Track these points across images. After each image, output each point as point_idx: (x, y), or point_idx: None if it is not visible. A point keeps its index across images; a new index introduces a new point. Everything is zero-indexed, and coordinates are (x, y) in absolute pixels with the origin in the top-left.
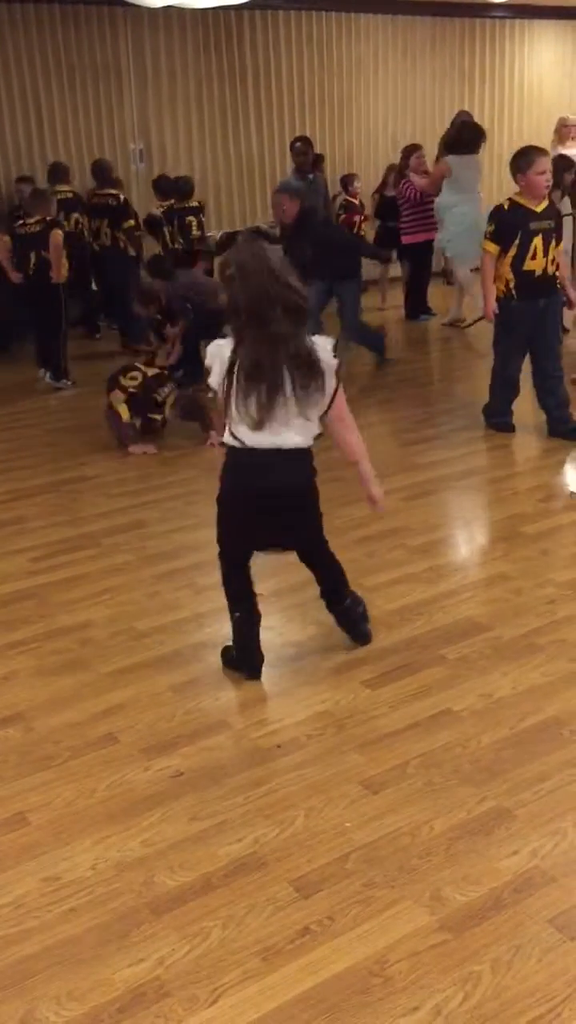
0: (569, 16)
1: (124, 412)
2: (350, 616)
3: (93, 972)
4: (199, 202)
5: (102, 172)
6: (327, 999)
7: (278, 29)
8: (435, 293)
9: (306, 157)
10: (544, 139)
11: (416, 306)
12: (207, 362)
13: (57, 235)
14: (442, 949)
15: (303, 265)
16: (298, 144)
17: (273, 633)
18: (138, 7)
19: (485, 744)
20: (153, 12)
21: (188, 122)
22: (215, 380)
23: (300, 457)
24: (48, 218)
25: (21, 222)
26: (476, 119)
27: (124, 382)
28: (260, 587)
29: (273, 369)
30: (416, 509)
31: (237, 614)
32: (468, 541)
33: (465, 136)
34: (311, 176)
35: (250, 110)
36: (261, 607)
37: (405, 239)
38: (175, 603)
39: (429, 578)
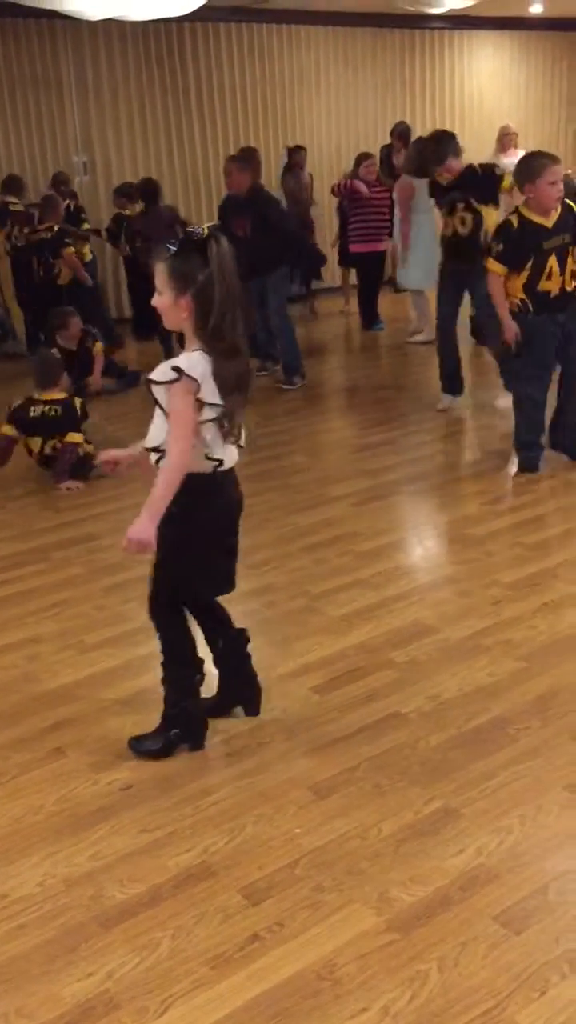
0: (507, 27)
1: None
2: (239, 649)
3: (41, 988)
4: None
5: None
6: (276, 1004)
7: (219, 41)
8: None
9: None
10: (486, 148)
11: (368, 316)
12: (195, 374)
13: (69, 250)
14: (390, 950)
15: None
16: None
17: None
18: (77, 20)
19: (433, 745)
20: (93, 25)
21: (132, 134)
22: (211, 394)
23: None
24: (57, 226)
25: (29, 228)
26: (418, 130)
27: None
28: None
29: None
30: (365, 515)
31: (199, 676)
32: (416, 545)
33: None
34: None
35: (193, 122)
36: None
37: (352, 248)
38: (124, 615)
39: (377, 583)
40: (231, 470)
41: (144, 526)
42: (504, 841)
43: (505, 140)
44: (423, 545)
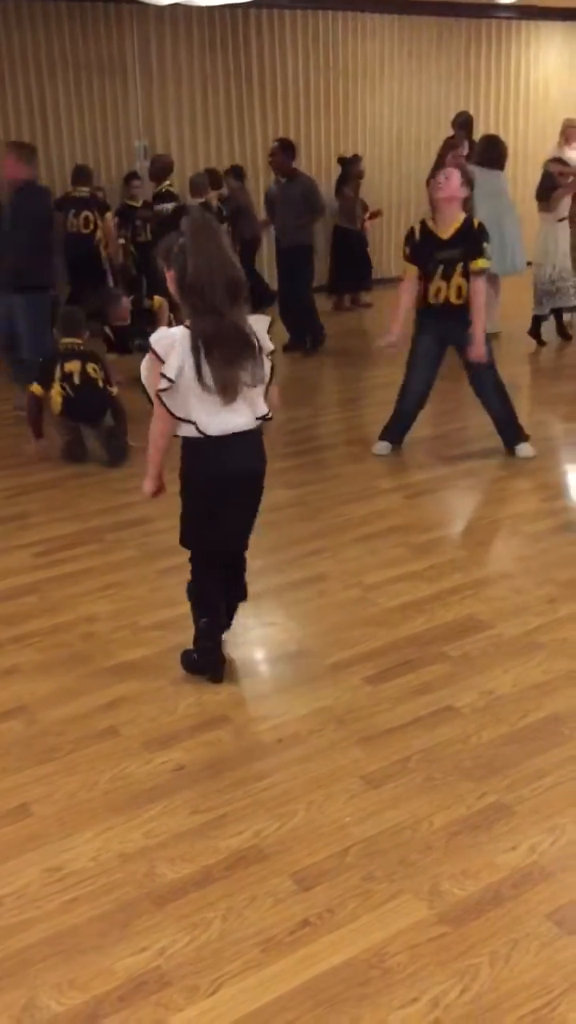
0: None
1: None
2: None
3: (94, 961)
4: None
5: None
6: (326, 990)
7: (284, 28)
8: None
9: (276, 159)
10: (549, 141)
11: None
12: (161, 352)
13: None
14: (441, 942)
15: None
16: (274, 145)
17: (276, 629)
18: (144, 4)
19: (486, 740)
20: (159, 9)
21: (193, 120)
22: (174, 366)
23: (255, 439)
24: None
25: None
26: (480, 120)
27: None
28: (264, 583)
29: (225, 345)
30: (418, 507)
31: (204, 620)
32: (470, 539)
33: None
34: (283, 180)
35: (255, 109)
36: (263, 604)
37: None
38: (178, 598)
39: (431, 576)
40: (230, 436)
41: (146, 479)
42: (557, 840)
43: (569, 133)
44: (477, 540)
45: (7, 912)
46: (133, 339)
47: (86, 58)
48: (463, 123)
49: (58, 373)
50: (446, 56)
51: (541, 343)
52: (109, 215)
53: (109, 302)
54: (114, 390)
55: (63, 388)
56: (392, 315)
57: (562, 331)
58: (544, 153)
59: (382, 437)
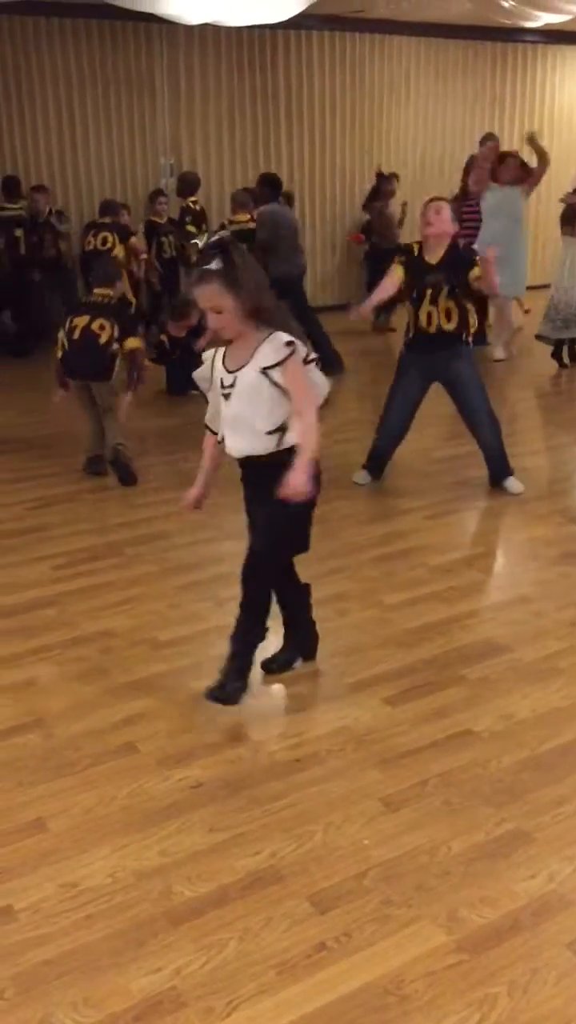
0: None
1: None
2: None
3: (109, 979)
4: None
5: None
6: (343, 1015)
7: (311, 49)
8: None
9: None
10: (574, 165)
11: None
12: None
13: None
14: (459, 970)
15: None
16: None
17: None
18: (174, 24)
19: (505, 765)
20: (189, 29)
21: (219, 139)
22: None
23: None
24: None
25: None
26: (506, 144)
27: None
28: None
29: None
30: (438, 528)
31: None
32: (490, 562)
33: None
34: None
35: (281, 128)
36: (281, 623)
37: None
38: (197, 615)
39: (450, 597)
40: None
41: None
42: None
43: None
44: (497, 562)
45: (23, 927)
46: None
47: (115, 76)
48: (492, 146)
49: (66, 325)
50: (472, 78)
51: (563, 365)
52: (133, 240)
53: (177, 311)
54: (130, 345)
55: (64, 342)
56: (372, 297)
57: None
58: (568, 177)
59: (364, 466)
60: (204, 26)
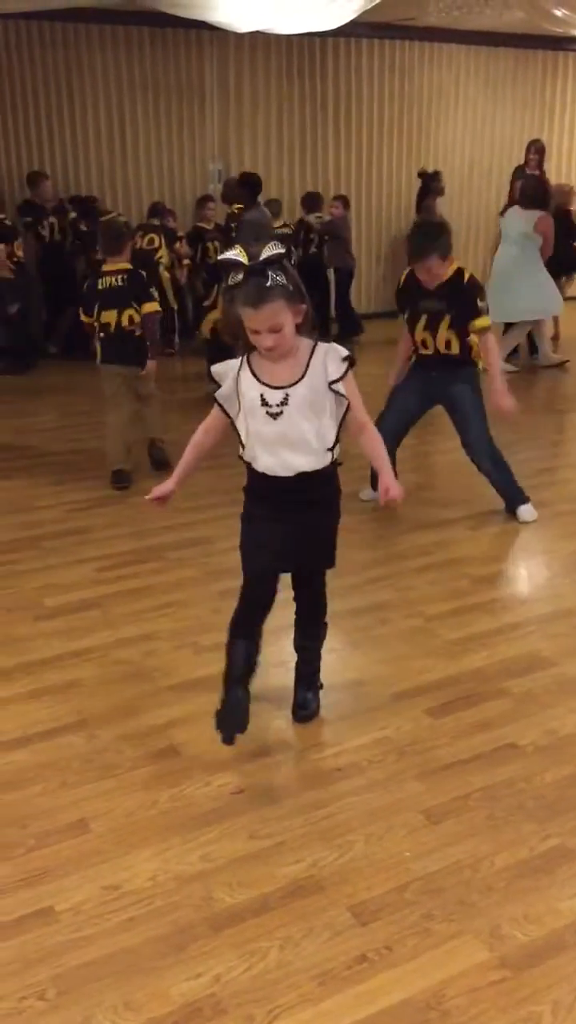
0: None
1: None
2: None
3: (150, 983)
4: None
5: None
6: None
7: (360, 56)
8: None
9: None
10: None
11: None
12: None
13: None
14: (501, 987)
15: None
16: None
17: (335, 656)
18: (225, 31)
19: (549, 781)
20: (239, 37)
21: (267, 145)
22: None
23: None
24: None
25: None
26: (553, 152)
27: None
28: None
29: None
30: (482, 539)
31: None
32: (534, 574)
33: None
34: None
35: (328, 135)
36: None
37: None
38: None
39: (493, 609)
40: None
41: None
42: None
43: None
44: (542, 574)
45: (65, 928)
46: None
47: (166, 82)
48: (538, 148)
49: (95, 314)
50: (521, 86)
51: None
52: (178, 245)
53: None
54: (146, 309)
55: (99, 331)
56: (398, 364)
57: None
58: None
59: (371, 483)
60: (254, 33)
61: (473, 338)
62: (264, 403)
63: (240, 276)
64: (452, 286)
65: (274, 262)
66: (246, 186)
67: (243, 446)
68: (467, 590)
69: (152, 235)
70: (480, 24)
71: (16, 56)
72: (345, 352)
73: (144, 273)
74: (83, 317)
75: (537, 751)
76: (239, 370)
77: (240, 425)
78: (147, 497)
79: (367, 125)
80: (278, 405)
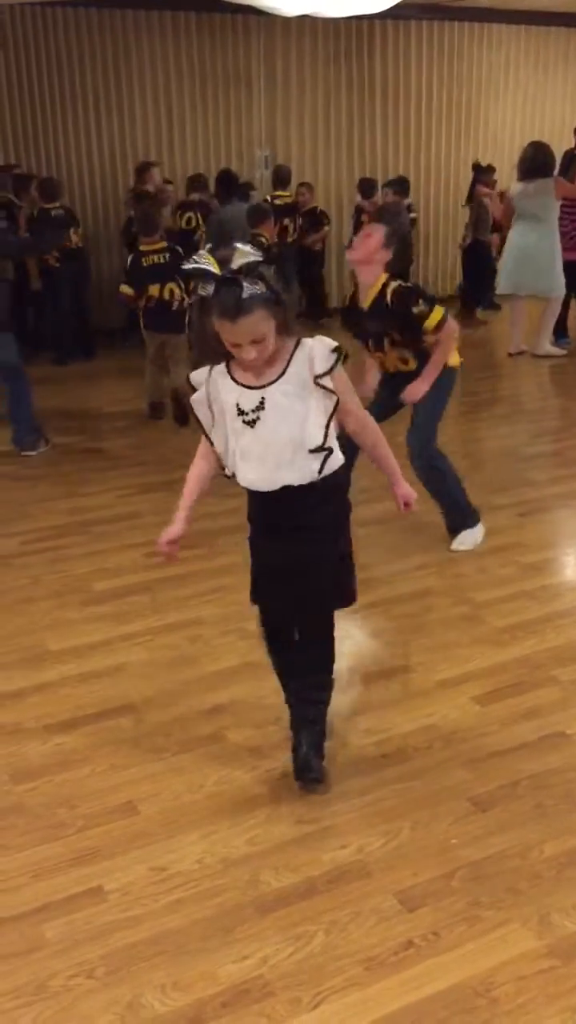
0: None
1: None
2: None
3: (197, 964)
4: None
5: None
6: (431, 1015)
7: (409, 39)
8: None
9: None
10: None
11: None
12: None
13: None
14: (550, 975)
15: None
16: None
17: (381, 642)
18: (272, 16)
19: None
20: (286, 21)
21: (315, 130)
22: None
23: None
24: None
25: None
26: None
27: None
28: (371, 596)
29: None
30: (529, 526)
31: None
32: None
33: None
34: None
35: (376, 119)
36: (369, 616)
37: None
38: None
39: (542, 597)
40: None
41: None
42: None
43: None
44: None
45: (113, 907)
46: None
47: (212, 68)
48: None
49: (140, 288)
50: (574, 66)
51: None
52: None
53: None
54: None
55: (145, 304)
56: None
57: None
58: None
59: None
60: (301, 17)
61: (430, 338)
62: (240, 411)
63: (211, 287)
64: (377, 305)
65: (249, 271)
66: (220, 183)
67: (223, 458)
68: (515, 577)
69: (190, 214)
70: (530, 3)
71: (64, 43)
72: (333, 344)
73: (181, 250)
74: (125, 290)
75: None
76: (214, 373)
77: (217, 435)
78: (157, 546)
79: (415, 108)
80: (253, 411)
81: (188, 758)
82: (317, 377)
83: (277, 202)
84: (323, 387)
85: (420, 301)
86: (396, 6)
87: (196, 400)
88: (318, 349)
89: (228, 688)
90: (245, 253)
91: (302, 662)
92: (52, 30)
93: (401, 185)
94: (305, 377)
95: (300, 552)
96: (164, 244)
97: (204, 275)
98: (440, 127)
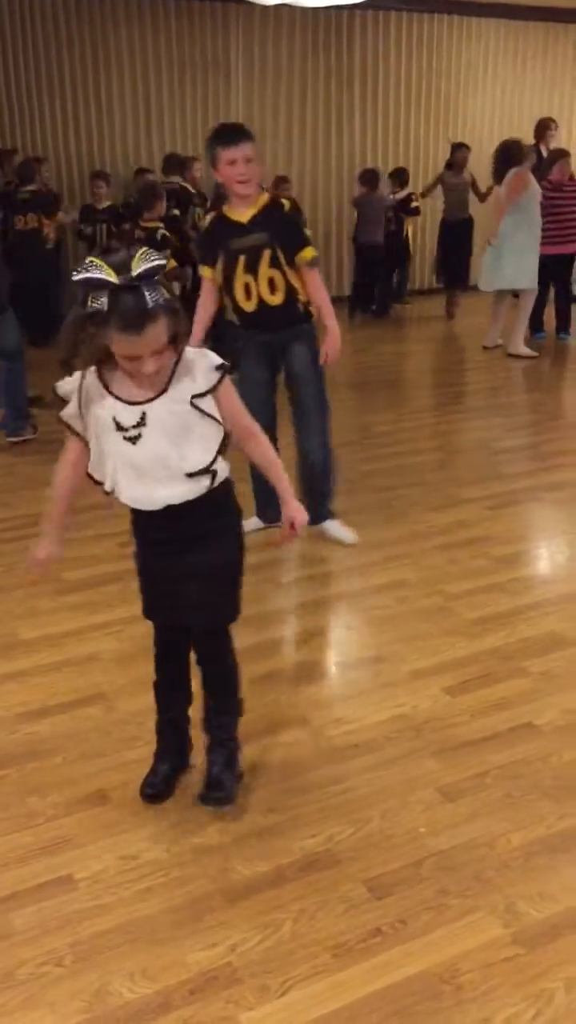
0: None
1: None
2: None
3: (166, 952)
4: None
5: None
6: (397, 1001)
7: (388, 30)
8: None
9: None
10: None
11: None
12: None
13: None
14: (515, 963)
15: None
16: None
17: (354, 633)
18: (250, 4)
19: (567, 760)
20: (265, 10)
21: (289, 120)
22: None
23: None
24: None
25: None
26: None
27: None
28: (344, 586)
29: None
30: (501, 519)
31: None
32: (554, 554)
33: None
34: None
35: (355, 110)
36: (342, 607)
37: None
38: (256, 596)
39: (513, 589)
40: None
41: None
42: None
43: None
44: (561, 555)
45: (83, 896)
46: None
47: (191, 56)
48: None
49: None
50: (552, 61)
51: None
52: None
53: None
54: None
55: None
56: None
57: None
58: None
59: (257, 508)
60: (279, 6)
61: (297, 282)
62: (119, 427)
63: (104, 299)
64: (267, 215)
65: (150, 275)
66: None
67: (97, 471)
68: (487, 569)
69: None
70: None
71: (40, 29)
72: (218, 360)
73: (160, 235)
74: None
75: (555, 731)
76: (86, 382)
77: (93, 448)
78: (26, 566)
79: (394, 100)
80: (135, 427)
81: (151, 749)
82: (195, 397)
83: None
84: (200, 410)
85: (305, 224)
86: None
87: (68, 415)
88: (201, 365)
89: (197, 678)
90: (148, 255)
91: (210, 687)
92: (30, 16)
93: (400, 176)
94: (186, 394)
95: (189, 564)
96: (156, 225)
97: (98, 285)
98: (418, 118)
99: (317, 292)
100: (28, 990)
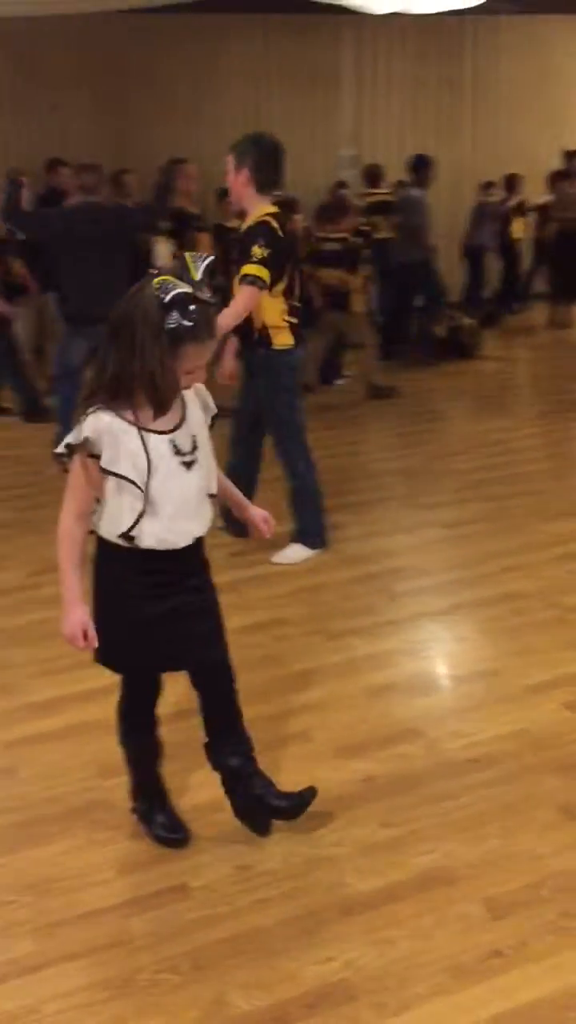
0: None
1: None
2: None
3: (282, 965)
4: None
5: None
6: None
7: (499, 34)
8: None
9: None
10: None
11: None
12: None
13: None
14: None
15: None
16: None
17: (468, 645)
18: (361, 15)
19: None
20: (375, 19)
21: (401, 129)
22: None
23: None
24: None
25: None
26: None
27: None
28: (455, 598)
29: None
30: None
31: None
32: None
33: None
34: None
35: (465, 117)
36: (455, 619)
37: None
38: (369, 607)
39: None
40: None
41: None
42: None
43: None
44: None
45: (198, 905)
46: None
47: (301, 69)
48: None
49: None
50: None
51: None
52: (297, 217)
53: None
54: None
55: None
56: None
57: None
58: None
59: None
60: (391, 15)
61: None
62: (177, 451)
63: (195, 312)
64: (248, 229)
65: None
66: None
67: (124, 523)
68: None
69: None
70: None
71: (153, 49)
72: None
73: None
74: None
75: None
76: (114, 419)
77: (124, 495)
78: (72, 640)
79: (505, 106)
80: (190, 452)
81: (274, 757)
82: (214, 417)
83: (369, 199)
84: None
85: (261, 244)
86: (487, 1)
87: (109, 461)
88: (200, 387)
89: (314, 688)
90: (195, 258)
91: (222, 728)
92: (139, 37)
93: (511, 183)
94: (202, 413)
95: (193, 601)
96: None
97: (192, 300)
98: (531, 124)
99: (233, 300)
100: (147, 996)
